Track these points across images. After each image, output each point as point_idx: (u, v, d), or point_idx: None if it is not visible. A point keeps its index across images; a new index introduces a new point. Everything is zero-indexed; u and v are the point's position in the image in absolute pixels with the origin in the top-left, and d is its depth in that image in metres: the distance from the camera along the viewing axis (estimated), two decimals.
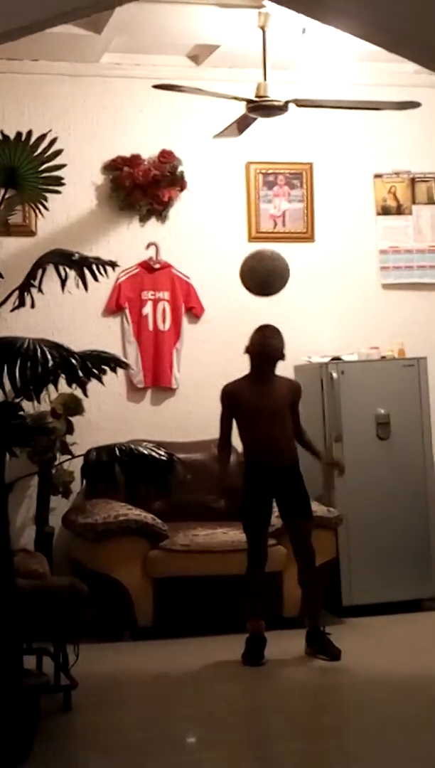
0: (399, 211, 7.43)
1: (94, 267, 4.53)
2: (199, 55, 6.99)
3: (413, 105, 6.19)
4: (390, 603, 6.51)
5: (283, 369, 6.27)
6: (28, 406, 4.63)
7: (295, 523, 5.78)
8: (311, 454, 5.94)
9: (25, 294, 4.46)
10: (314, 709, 5.04)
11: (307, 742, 4.55)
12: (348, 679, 5.37)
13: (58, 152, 4.47)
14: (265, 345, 5.75)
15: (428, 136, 7.47)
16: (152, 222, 7.10)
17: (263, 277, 6.08)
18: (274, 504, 5.78)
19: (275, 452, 5.70)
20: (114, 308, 7.00)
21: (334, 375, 6.69)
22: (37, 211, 4.80)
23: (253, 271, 6.09)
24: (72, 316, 6.84)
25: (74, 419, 6.57)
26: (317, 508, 6.09)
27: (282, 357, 5.81)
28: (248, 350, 5.79)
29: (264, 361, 5.77)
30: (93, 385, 4.41)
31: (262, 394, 5.73)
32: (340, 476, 6.22)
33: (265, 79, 6.01)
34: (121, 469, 4.32)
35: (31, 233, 6.79)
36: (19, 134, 4.41)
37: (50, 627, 4.77)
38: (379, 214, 7.42)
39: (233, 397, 5.76)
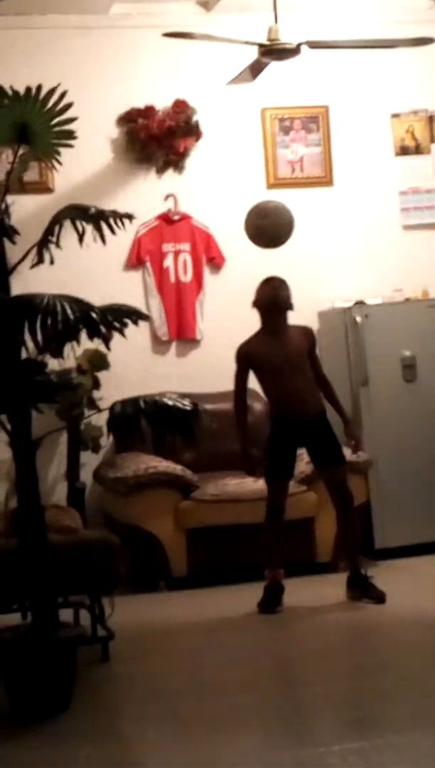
0: (418, 150, 7.33)
1: (111, 220, 4.51)
2: (208, 1, 6.91)
3: (428, 41, 6.09)
4: (422, 544, 6.52)
5: (307, 316, 6.26)
6: (55, 363, 4.63)
7: (328, 470, 5.76)
8: (338, 414, 5.79)
9: (44, 251, 4.45)
10: (351, 651, 5.08)
11: (344, 683, 4.57)
12: (384, 620, 5.39)
13: (69, 105, 4.43)
14: (276, 296, 5.64)
15: None
16: (169, 173, 7.06)
17: (271, 235, 5.80)
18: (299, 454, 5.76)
19: (302, 404, 5.65)
20: (135, 262, 6.99)
21: (358, 319, 6.65)
22: (52, 167, 4.77)
23: (261, 230, 5.79)
24: (94, 272, 6.81)
25: (100, 374, 6.60)
26: (346, 453, 6.06)
27: (291, 307, 5.70)
28: (256, 304, 5.69)
29: (276, 313, 5.66)
30: (118, 339, 4.40)
31: (279, 348, 5.64)
32: (354, 453, 6.01)
33: (276, 21, 5.93)
34: (147, 420, 4.33)
35: (49, 190, 6.78)
36: (28, 89, 4.38)
37: (84, 580, 4.82)
38: (397, 154, 7.33)
39: (250, 358, 5.65)
